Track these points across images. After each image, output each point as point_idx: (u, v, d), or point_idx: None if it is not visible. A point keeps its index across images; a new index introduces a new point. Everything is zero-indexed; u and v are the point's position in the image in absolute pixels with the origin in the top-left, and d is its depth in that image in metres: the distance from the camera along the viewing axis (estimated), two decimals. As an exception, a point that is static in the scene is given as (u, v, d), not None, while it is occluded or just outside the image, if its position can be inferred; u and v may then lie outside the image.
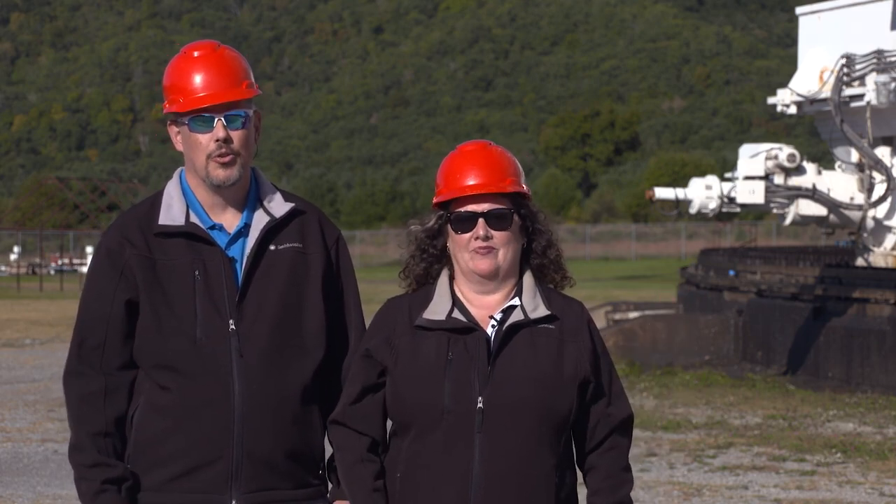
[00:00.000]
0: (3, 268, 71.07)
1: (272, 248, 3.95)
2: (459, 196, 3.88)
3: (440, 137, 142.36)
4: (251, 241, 3.94)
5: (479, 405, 3.79)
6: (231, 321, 3.88)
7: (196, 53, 3.91)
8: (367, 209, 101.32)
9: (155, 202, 3.98)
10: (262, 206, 3.98)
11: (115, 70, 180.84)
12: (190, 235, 3.91)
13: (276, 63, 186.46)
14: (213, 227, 3.93)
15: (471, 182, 3.88)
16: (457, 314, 3.88)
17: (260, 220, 3.96)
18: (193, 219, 3.92)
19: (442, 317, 3.87)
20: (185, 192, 3.97)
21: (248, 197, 3.98)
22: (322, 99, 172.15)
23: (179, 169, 4.05)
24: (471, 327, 3.86)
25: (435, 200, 3.94)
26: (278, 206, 3.99)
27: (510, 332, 3.86)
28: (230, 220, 3.96)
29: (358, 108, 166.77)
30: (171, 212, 3.93)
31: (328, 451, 4.05)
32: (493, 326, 3.88)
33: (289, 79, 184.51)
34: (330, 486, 4.08)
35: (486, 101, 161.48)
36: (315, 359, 3.97)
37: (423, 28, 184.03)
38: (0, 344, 25.47)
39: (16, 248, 73.01)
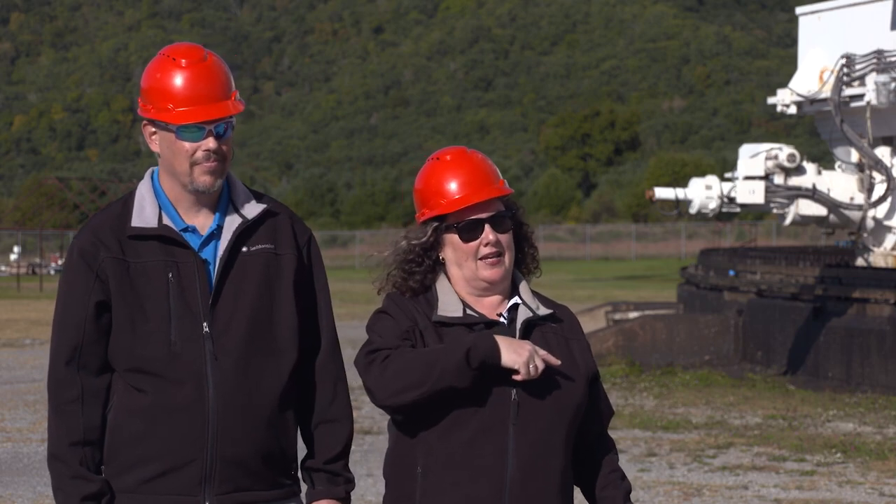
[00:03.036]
0: (3, 268, 71.05)
1: (245, 249, 3.95)
2: (460, 207, 3.90)
3: (440, 137, 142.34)
4: (223, 243, 3.93)
5: (514, 397, 3.84)
6: (205, 324, 3.88)
7: (184, 61, 3.88)
8: (367, 209, 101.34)
9: (127, 203, 3.97)
10: (234, 207, 3.98)
11: (115, 70, 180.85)
12: (163, 238, 3.90)
13: (276, 63, 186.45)
14: (185, 230, 3.93)
15: (466, 190, 3.91)
16: (469, 311, 3.93)
17: (232, 222, 3.96)
18: (166, 221, 3.92)
19: (459, 313, 3.92)
20: (158, 193, 3.97)
21: (221, 198, 3.99)
22: (322, 99, 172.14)
23: (151, 169, 4.04)
24: (492, 322, 3.92)
25: (430, 214, 3.94)
26: (250, 207, 3.99)
27: (526, 328, 3.93)
28: (203, 221, 3.95)
29: (358, 108, 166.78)
30: (144, 214, 3.92)
31: (301, 451, 4.07)
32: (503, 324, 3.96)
33: (289, 79, 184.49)
34: (304, 486, 4.10)
35: (486, 101, 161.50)
36: (289, 360, 3.98)
37: (423, 28, 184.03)
38: (0, 344, 25.48)
39: (16, 248, 72.96)
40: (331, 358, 4.06)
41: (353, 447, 4.18)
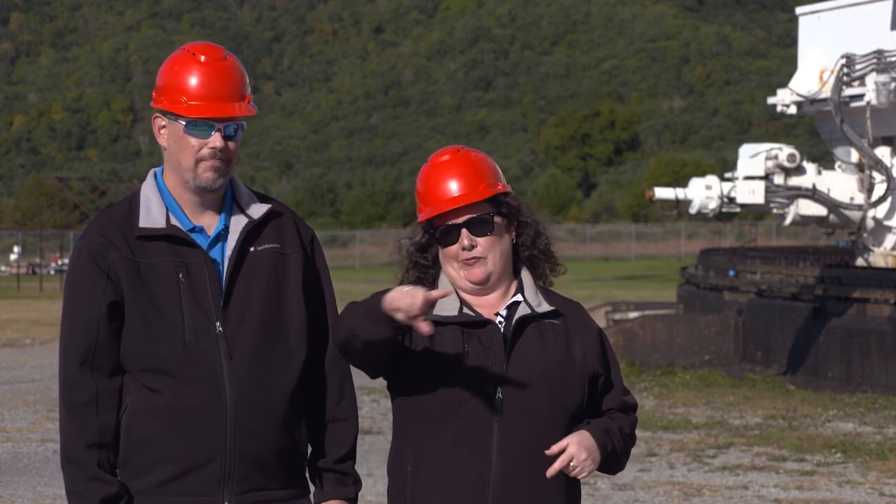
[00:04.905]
0: (3, 268, 71.02)
1: (252, 249, 3.96)
2: (438, 213, 3.93)
3: (440, 137, 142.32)
4: (232, 243, 3.94)
5: (499, 395, 3.86)
6: (218, 323, 3.89)
7: (203, 58, 3.90)
8: (367, 209, 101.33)
9: (132, 204, 3.96)
10: (239, 208, 3.99)
11: (115, 70, 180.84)
12: (172, 238, 3.90)
13: (276, 63, 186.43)
14: (193, 230, 3.93)
15: (447, 194, 3.93)
16: (466, 310, 3.94)
17: (238, 223, 3.97)
18: (174, 221, 3.92)
19: (454, 312, 3.93)
20: (163, 193, 3.97)
21: (225, 199, 3.99)
22: (322, 99, 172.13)
23: (154, 170, 4.04)
24: (484, 321, 3.92)
25: (421, 218, 3.99)
26: (255, 207, 4.00)
27: (520, 326, 3.93)
28: (209, 222, 3.96)
29: (358, 108, 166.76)
30: (151, 214, 3.92)
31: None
32: (500, 322, 3.95)
33: (289, 79, 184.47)
34: (312, 487, 4.10)
35: (486, 101, 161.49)
36: (299, 358, 3.99)
37: (423, 28, 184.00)
38: (0, 344, 25.48)
39: (16, 248, 72.93)
40: (337, 356, 4.07)
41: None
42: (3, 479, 11.47)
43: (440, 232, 3.94)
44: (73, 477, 3.90)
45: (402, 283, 4.06)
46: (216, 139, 3.88)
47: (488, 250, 3.93)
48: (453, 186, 3.93)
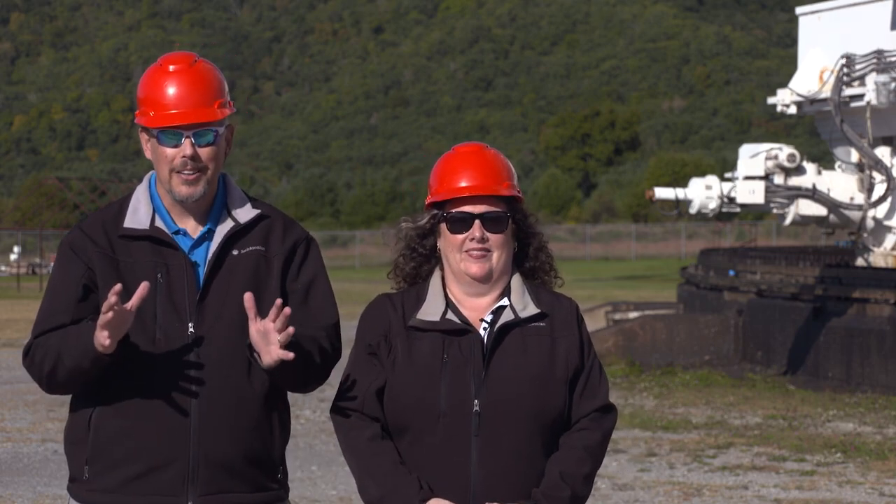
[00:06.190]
0: (3, 268, 70.95)
1: (234, 252, 3.96)
2: (455, 197, 3.89)
3: (440, 137, 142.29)
4: (213, 245, 3.95)
5: (476, 408, 3.81)
6: (191, 324, 3.89)
7: (171, 67, 3.90)
8: (367, 209, 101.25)
9: (123, 205, 4.02)
10: (227, 212, 4.00)
11: (115, 70, 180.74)
12: (154, 239, 3.93)
13: (276, 63, 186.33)
14: (177, 232, 3.96)
15: (467, 183, 3.89)
16: (450, 315, 3.88)
17: (224, 226, 3.98)
18: (158, 223, 3.95)
19: (436, 318, 3.88)
20: (153, 196, 4.00)
21: (215, 203, 4.00)
22: (322, 99, 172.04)
23: (150, 173, 4.06)
24: (465, 329, 3.87)
25: (429, 200, 3.95)
26: (244, 212, 4.01)
27: (501, 333, 3.87)
28: (195, 225, 3.98)
29: (358, 108, 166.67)
30: (137, 215, 3.96)
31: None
32: (484, 329, 3.89)
33: (289, 79, 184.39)
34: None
35: (486, 101, 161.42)
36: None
37: (423, 28, 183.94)
38: (0, 344, 25.46)
39: (16, 248, 72.83)
40: (331, 355, 4.04)
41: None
42: (3, 479, 11.47)
43: (452, 217, 3.89)
44: (37, 348, 3.90)
45: (397, 271, 4.03)
46: (186, 147, 3.88)
47: (496, 248, 3.89)
48: (475, 176, 3.89)
